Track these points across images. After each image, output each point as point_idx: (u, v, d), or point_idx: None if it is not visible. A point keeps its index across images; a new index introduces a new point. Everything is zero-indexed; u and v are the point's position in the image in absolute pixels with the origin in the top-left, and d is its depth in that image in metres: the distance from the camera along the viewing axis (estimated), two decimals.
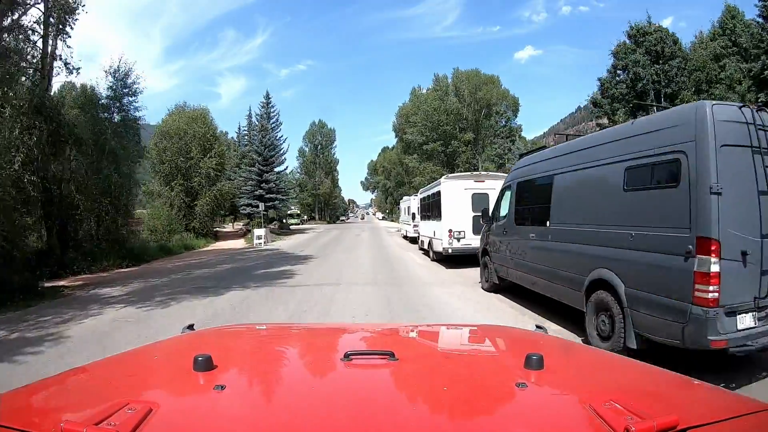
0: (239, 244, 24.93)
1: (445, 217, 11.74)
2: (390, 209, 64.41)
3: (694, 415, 0.80)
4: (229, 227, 40.06)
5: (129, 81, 16.79)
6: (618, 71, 28.73)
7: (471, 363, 1.32)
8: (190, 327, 1.58)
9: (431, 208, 14.34)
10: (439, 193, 12.30)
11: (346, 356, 1.07)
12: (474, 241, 10.28)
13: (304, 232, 35.31)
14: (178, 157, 25.79)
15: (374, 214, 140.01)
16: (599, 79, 29.52)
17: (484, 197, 10.95)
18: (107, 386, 1.04)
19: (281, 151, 37.98)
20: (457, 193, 11.51)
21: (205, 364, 1.00)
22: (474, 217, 10.98)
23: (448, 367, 1.22)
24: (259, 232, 22.21)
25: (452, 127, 48.05)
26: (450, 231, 11.54)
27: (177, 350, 1.41)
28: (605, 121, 27.60)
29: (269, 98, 38.49)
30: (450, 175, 13.03)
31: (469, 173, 14.97)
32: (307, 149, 68.35)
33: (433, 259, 13.82)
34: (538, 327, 1.63)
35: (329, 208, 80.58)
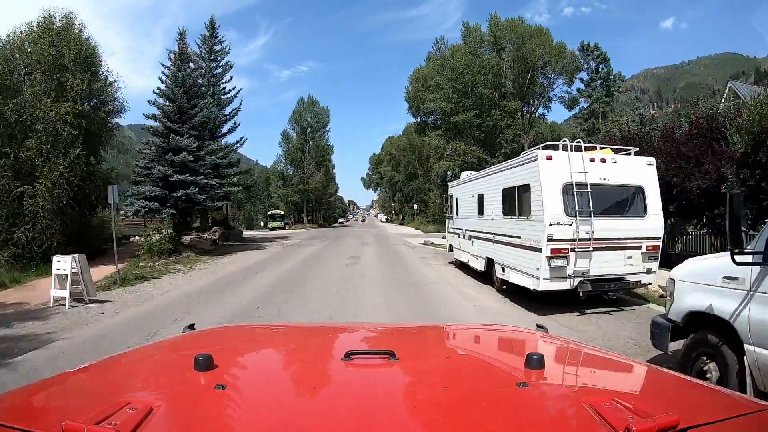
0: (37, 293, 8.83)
1: (543, 217, 6.18)
2: (398, 209, 49.99)
3: (695, 415, 0.79)
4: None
5: None
6: None
7: (472, 362, 1.30)
8: (191, 327, 1.56)
9: (509, 202, 7.72)
10: (536, 175, 6.36)
11: (347, 356, 1.05)
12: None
13: (262, 247, 20.84)
14: None
15: (376, 216, 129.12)
16: None
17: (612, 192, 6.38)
18: (108, 386, 1.04)
19: (223, 115, 23.74)
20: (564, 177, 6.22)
21: (206, 364, 0.99)
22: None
23: (449, 366, 1.21)
24: (61, 264, 7.58)
25: (490, 91, 33.70)
26: (556, 251, 6.05)
27: (178, 350, 1.38)
28: None
29: (215, 28, 24.23)
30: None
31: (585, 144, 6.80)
32: (293, 133, 54.05)
33: (500, 289, 7.87)
34: (538, 326, 1.59)
35: (323, 207, 66.28)
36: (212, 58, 23.89)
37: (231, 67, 24.35)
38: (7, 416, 0.80)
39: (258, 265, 13.04)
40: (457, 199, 11.11)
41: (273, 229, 50.65)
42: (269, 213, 53.08)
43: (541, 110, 37.21)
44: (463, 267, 10.68)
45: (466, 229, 9.96)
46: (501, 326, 1.96)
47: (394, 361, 1.05)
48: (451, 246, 12.13)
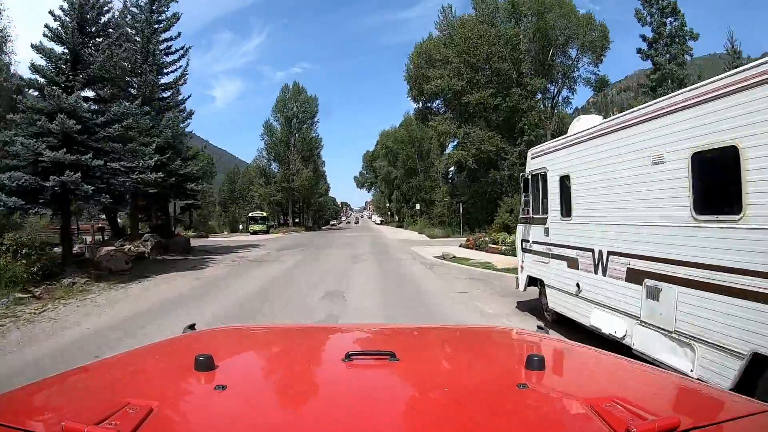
0: None
1: None
2: (395, 210, 43.89)
3: (695, 416, 0.79)
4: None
5: None
6: None
7: (472, 364, 1.26)
8: (191, 327, 1.54)
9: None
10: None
11: (347, 356, 1.04)
12: None
13: (207, 265, 14.78)
14: None
15: (370, 217, 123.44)
16: None
17: None
18: (108, 386, 1.04)
19: (163, 84, 17.73)
20: None
21: (206, 364, 0.98)
22: None
23: (450, 367, 1.23)
24: None
25: (509, 66, 27.86)
26: None
27: (178, 350, 1.37)
28: None
29: None
30: None
31: None
32: (277, 124, 47.85)
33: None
34: (539, 328, 1.57)
35: (311, 208, 60.13)
36: (153, 7, 17.68)
37: (178, 20, 18.14)
38: (7, 416, 0.79)
39: (156, 312, 6.93)
40: (567, 180, 4.96)
41: (254, 232, 44.77)
42: (250, 215, 46.81)
43: (565, 93, 31.45)
44: (564, 323, 4.77)
45: (617, 252, 3.93)
46: (502, 328, 2.10)
47: (394, 362, 1.04)
48: (533, 279, 6.01)
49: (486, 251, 15.37)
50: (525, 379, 0.97)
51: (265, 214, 46.24)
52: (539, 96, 29.67)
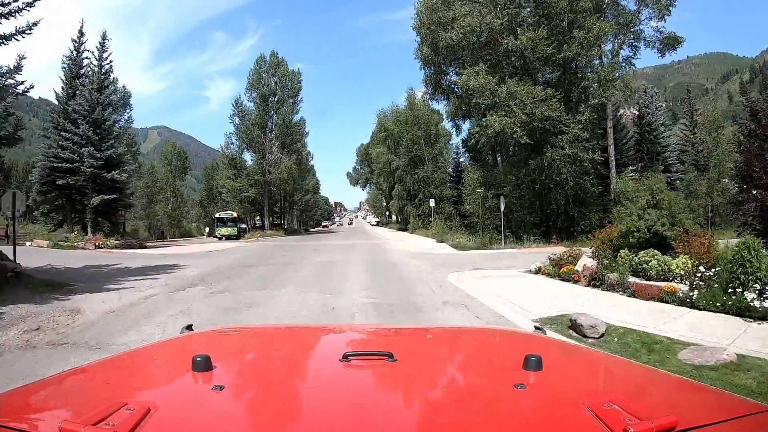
0: None
1: None
2: (398, 208, 34.95)
3: (693, 416, 0.79)
4: None
5: None
6: None
7: (470, 364, 1.30)
8: (189, 327, 1.53)
9: None
10: None
11: (345, 357, 1.05)
12: None
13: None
14: None
15: (364, 218, 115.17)
16: None
17: None
18: (105, 386, 1.04)
19: None
20: None
21: (204, 365, 0.98)
22: None
23: (447, 368, 1.22)
24: None
25: (564, 4, 19.20)
26: None
27: (175, 351, 1.38)
28: None
29: None
30: None
31: None
32: (250, 104, 38.79)
33: None
34: (537, 328, 1.59)
35: (296, 207, 51.26)
36: None
37: None
38: (3, 417, 0.78)
39: None
40: None
41: (222, 237, 35.92)
42: (217, 215, 37.90)
43: (625, 52, 22.74)
44: None
45: None
46: (499, 328, 2.15)
47: (392, 363, 1.04)
48: None
49: (618, 289, 6.77)
50: (522, 379, 0.96)
51: (235, 214, 37.30)
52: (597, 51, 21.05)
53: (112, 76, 26.44)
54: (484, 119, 18.25)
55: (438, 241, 19.78)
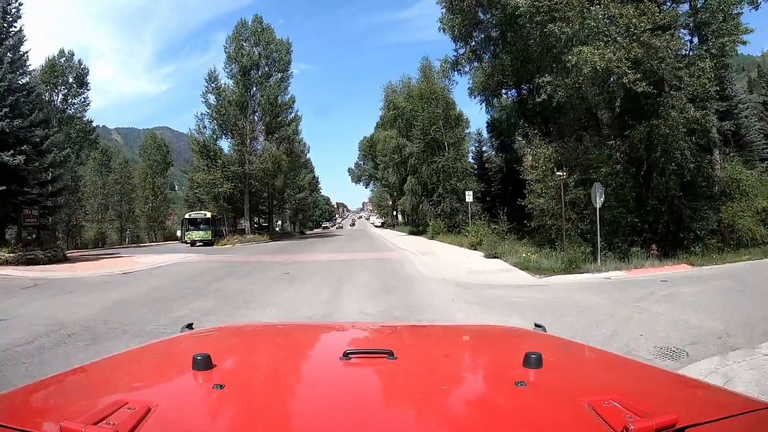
0: None
1: None
2: (412, 206, 27.41)
3: (693, 414, 0.78)
4: None
5: None
6: None
7: (470, 362, 1.31)
8: (189, 326, 1.54)
9: None
10: None
11: (345, 355, 1.05)
12: None
13: None
14: None
15: (367, 219, 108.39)
16: None
17: None
18: (106, 386, 1.03)
19: None
20: None
21: (204, 364, 0.98)
22: None
23: (447, 365, 1.20)
24: None
25: None
26: None
27: (176, 349, 1.39)
28: None
29: None
30: None
31: None
32: (228, 79, 31.52)
33: None
34: (536, 326, 1.56)
35: (287, 206, 44.19)
36: None
37: None
38: (4, 417, 0.79)
39: None
40: None
41: (194, 243, 29.05)
42: (186, 216, 30.87)
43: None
44: None
45: None
46: (500, 326, 2.01)
47: (392, 360, 1.04)
48: None
49: None
50: (523, 376, 0.95)
51: (209, 215, 30.22)
52: None
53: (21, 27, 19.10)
54: (571, 55, 10.69)
55: (488, 256, 12.40)
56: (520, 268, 10.27)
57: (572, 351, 1.41)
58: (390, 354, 1.04)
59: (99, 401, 0.81)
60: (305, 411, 0.86)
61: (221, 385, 0.90)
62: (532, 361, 0.98)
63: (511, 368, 1.05)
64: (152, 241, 42.19)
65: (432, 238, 22.42)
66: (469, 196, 16.35)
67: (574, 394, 0.90)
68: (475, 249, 14.92)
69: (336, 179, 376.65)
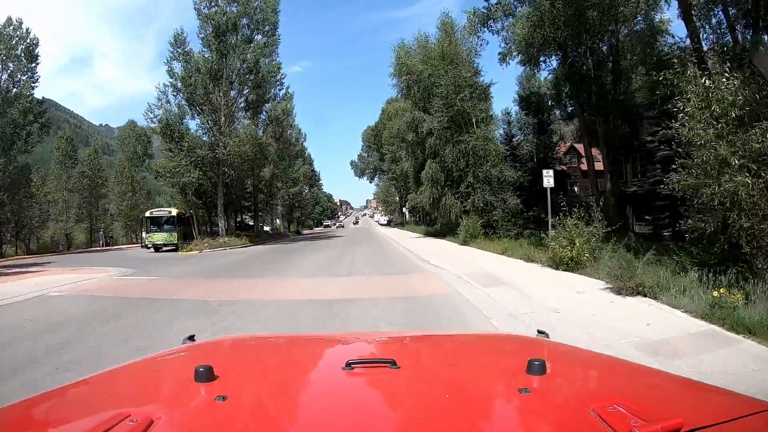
0: None
1: None
2: (433, 199, 20.95)
3: (699, 417, 0.77)
4: None
5: None
6: None
7: (473, 370, 1.26)
8: (191, 338, 1.51)
9: None
10: None
11: (348, 365, 1.03)
12: None
13: None
14: None
15: (372, 217, 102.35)
16: None
17: None
18: (108, 398, 1.03)
19: None
20: None
21: (206, 375, 0.97)
22: None
23: (450, 374, 1.20)
24: None
25: None
26: None
27: (178, 361, 1.37)
28: None
29: None
30: None
31: None
32: (199, 44, 25.25)
33: None
34: (539, 332, 1.53)
35: (278, 202, 37.97)
36: None
37: None
38: (7, 430, 0.78)
39: None
40: None
41: (158, 248, 23.28)
42: (147, 214, 24.81)
43: None
44: None
45: None
46: (502, 333, 1.92)
47: (395, 370, 1.03)
48: None
49: None
50: (526, 384, 0.95)
51: (174, 212, 24.16)
52: None
53: None
54: None
55: (618, 291, 5.60)
56: (731, 331, 3.87)
57: (576, 357, 1.38)
58: (393, 363, 1.03)
59: (101, 414, 0.79)
60: (308, 421, 0.85)
61: (224, 397, 0.88)
62: (536, 367, 0.96)
63: (514, 375, 1.03)
64: (127, 243, 36.40)
65: (465, 243, 16.02)
66: (548, 179, 10.00)
67: (578, 400, 0.90)
68: (558, 268, 8.57)
69: (339, 177, 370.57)
